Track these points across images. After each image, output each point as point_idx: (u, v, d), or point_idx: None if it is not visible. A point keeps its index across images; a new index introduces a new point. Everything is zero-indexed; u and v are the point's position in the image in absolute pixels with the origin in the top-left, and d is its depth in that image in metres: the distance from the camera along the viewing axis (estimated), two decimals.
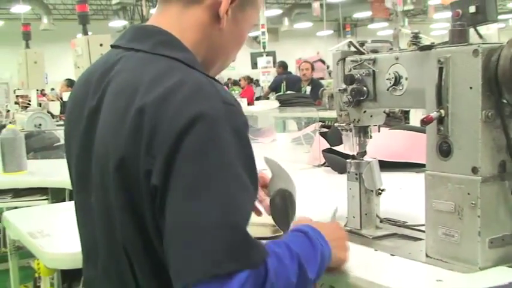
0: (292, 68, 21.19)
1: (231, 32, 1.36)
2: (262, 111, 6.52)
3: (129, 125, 1.15)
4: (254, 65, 14.53)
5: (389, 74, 1.55)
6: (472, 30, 1.43)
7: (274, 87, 10.51)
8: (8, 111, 7.01)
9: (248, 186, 1.13)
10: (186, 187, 1.09)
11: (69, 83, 9.39)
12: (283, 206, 1.58)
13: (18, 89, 9.65)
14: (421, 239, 1.53)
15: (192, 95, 1.14)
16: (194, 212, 1.08)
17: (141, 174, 1.13)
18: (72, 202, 1.50)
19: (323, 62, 15.73)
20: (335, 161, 2.80)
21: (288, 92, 9.52)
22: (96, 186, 1.27)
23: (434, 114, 1.37)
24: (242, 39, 1.44)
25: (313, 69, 9.92)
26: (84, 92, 1.35)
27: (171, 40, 1.29)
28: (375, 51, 1.67)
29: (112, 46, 1.39)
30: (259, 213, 1.67)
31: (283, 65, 11.96)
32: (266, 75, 13.88)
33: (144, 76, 1.20)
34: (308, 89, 9.36)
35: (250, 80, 16.96)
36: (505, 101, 1.31)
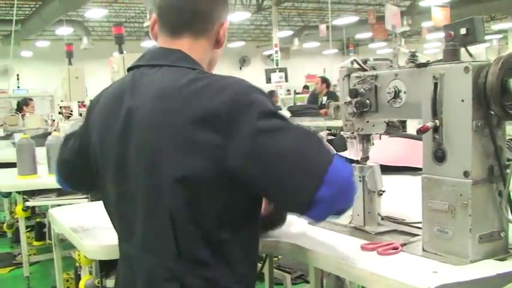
0: (302, 82, 21.22)
1: (219, 52, 1.54)
2: None
3: (187, 119, 1.28)
4: (268, 80, 14.55)
5: (390, 88, 1.55)
6: (463, 50, 1.42)
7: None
8: (53, 120, 7.06)
9: None
10: (276, 133, 1.27)
11: None
12: None
13: (62, 101, 9.72)
14: (418, 235, 1.52)
15: (235, 86, 1.31)
16: (291, 145, 1.28)
17: (209, 150, 1.26)
18: None
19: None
20: None
21: (299, 103, 9.47)
22: (141, 172, 1.36)
23: (430, 124, 1.36)
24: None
25: (323, 82, 9.63)
26: (116, 103, 1.44)
27: (187, 57, 1.42)
28: (375, 68, 1.66)
29: (132, 67, 1.48)
30: None
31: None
32: (279, 89, 13.87)
33: (180, 81, 1.33)
34: (324, 99, 9.18)
35: None
36: (492, 112, 1.30)
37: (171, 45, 1.45)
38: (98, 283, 2.09)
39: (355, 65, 1.70)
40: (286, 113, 7.39)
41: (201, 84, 1.31)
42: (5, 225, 5.05)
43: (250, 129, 1.25)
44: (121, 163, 1.41)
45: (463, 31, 1.43)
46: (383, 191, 1.71)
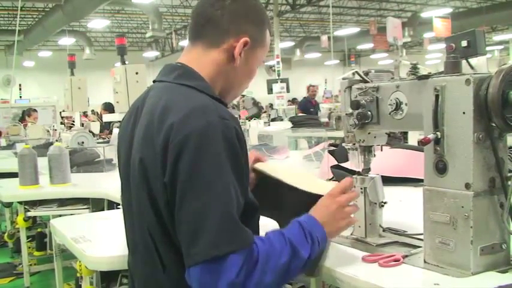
0: (304, 93, 21.23)
1: (243, 68, 1.49)
2: (277, 131, 6.50)
3: (152, 137, 1.31)
4: (270, 91, 14.54)
5: (391, 100, 1.55)
6: (464, 62, 1.42)
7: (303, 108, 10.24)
8: (55, 130, 7.08)
9: (234, 182, 1.24)
10: (187, 186, 1.22)
11: (106, 106, 9.48)
12: None
13: (64, 111, 9.73)
14: (419, 247, 1.52)
15: (195, 112, 1.27)
16: (195, 208, 1.20)
17: (158, 169, 1.28)
18: (110, 211, 1.54)
19: None
20: (342, 176, 2.78)
21: (300, 114, 9.49)
22: (134, 186, 1.40)
23: (431, 136, 1.36)
24: (253, 74, 1.56)
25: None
26: (129, 116, 1.52)
27: (189, 72, 1.43)
28: (377, 79, 1.67)
29: (153, 81, 1.54)
30: None
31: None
32: (280, 100, 13.87)
33: (162, 101, 1.36)
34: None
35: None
36: (493, 124, 1.30)
37: (185, 54, 1.49)
38: None
39: (357, 77, 1.71)
40: (288, 123, 7.40)
41: (174, 108, 1.31)
42: (6, 235, 5.02)
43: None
44: (125, 175, 1.47)
45: (464, 43, 1.44)
46: (384, 203, 1.70)
